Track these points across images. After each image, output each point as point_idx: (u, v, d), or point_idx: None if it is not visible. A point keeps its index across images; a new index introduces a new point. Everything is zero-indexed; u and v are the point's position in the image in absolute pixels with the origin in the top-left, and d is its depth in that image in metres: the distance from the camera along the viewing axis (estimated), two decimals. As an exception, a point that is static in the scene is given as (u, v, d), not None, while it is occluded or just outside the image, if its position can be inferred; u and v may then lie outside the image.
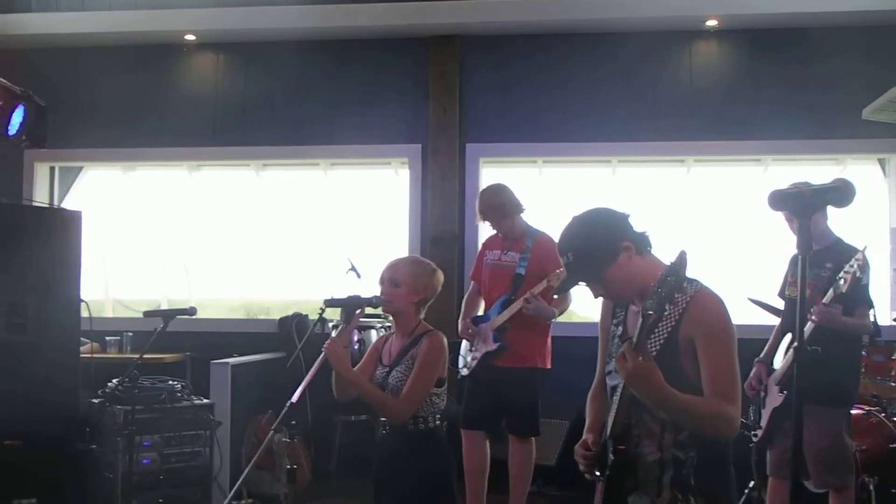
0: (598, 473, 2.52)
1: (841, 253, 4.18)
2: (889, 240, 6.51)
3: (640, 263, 2.51)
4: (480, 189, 5.71)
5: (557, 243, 2.59)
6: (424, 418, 3.40)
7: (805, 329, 3.89)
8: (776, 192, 2.19)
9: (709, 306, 2.41)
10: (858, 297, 4.12)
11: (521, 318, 4.97)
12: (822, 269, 4.17)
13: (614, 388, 2.51)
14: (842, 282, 3.96)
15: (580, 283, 2.58)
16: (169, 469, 5.10)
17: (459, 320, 5.30)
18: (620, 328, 2.62)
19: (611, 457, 2.46)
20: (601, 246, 2.49)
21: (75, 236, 4.85)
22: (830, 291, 4.02)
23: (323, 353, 3.42)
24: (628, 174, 6.97)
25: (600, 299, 2.69)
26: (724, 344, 2.38)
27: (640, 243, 2.53)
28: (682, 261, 2.24)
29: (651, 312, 2.23)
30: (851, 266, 3.95)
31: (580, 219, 2.57)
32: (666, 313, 2.30)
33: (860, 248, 4.17)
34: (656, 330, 2.36)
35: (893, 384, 5.15)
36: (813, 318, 4.04)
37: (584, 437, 2.65)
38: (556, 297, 5.04)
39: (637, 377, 2.27)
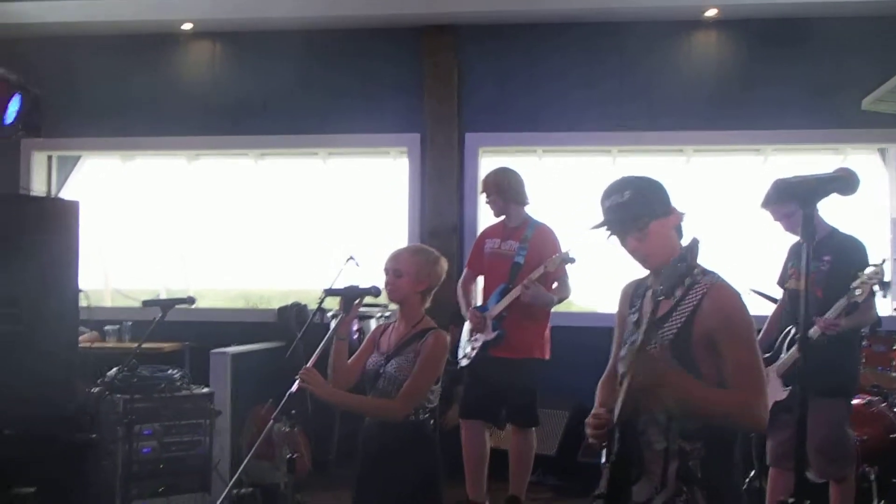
0: (603, 461, 2.51)
1: (838, 244, 4.17)
2: (889, 230, 6.51)
3: (676, 239, 2.51)
4: (480, 178, 5.69)
5: (609, 186, 2.52)
6: (416, 411, 3.37)
7: (811, 333, 3.93)
8: (781, 182, 2.19)
9: (727, 300, 2.39)
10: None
11: (519, 306, 4.97)
12: (821, 262, 4.16)
13: (624, 375, 2.49)
14: (857, 291, 3.94)
15: (620, 224, 2.49)
16: (169, 458, 5.08)
17: (465, 311, 5.27)
18: (636, 315, 2.58)
19: (616, 444, 2.45)
20: (660, 198, 2.50)
21: (73, 226, 4.82)
22: (844, 300, 4.00)
23: (323, 342, 3.43)
24: (628, 164, 6.96)
25: (612, 288, 2.66)
26: (747, 338, 2.37)
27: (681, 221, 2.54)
28: (693, 247, 2.23)
29: (661, 298, 2.21)
30: (872, 279, 3.93)
31: (639, 175, 2.55)
32: (676, 300, 2.26)
33: (861, 242, 4.17)
34: (669, 320, 2.33)
35: (894, 374, 5.16)
36: (818, 327, 4.01)
37: (594, 411, 2.62)
38: (554, 285, 5.06)
39: (658, 385, 2.28)
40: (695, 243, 2.25)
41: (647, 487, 2.42)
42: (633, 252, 2.52)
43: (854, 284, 3.98)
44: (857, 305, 4.02)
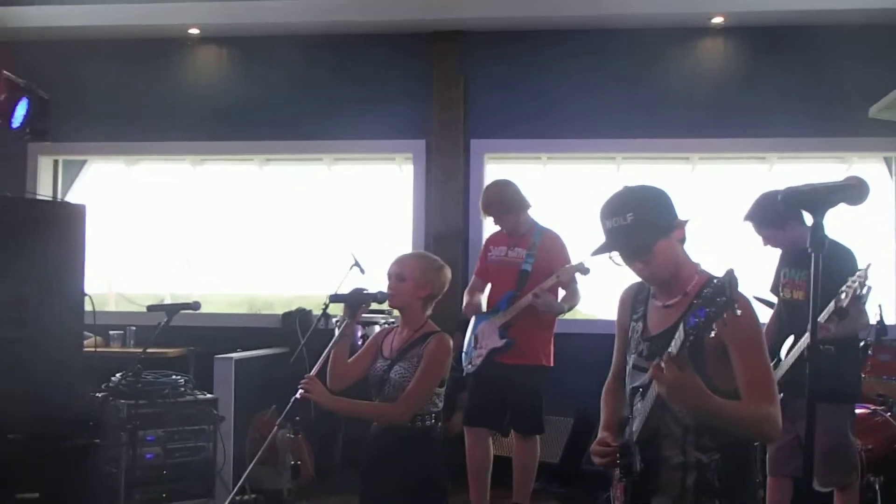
0: (617, 474, 2.50)
1: (828, 250, 4.12)
2: (895, 239, 6.49)
3: (681, 250, 2.47)
4: (485, 185, 5.68)
5: (610, 203, 2.44)
6: (422, 416, 3.36)
7: (803, 336, 3.91)
8: (791, 190, 2.18)
9: (741, 311, 2.30)
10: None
11: (526, 314, 4.95)
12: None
13: (637, 390, 2.48)
14: (843, 295, 3.92)
15: (624, 249, 2.43)
16: (172, 464, 5.09)
17: (465, 305, 5.23)
18: (640, 324, 2.56)
19: (640, 465, 2.42)
20: (663, 214, 2.43)
21: (79, 230, 4.82)
22: (831, 304, 3.98)
23: (327, 349, 3.42)
24: (632, 171, 6.94)
25: (616, 295, 2.63)
26: (759, 347, 2.35)
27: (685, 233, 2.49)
28: (731, 280, 2.10)
29: (693, 332, 2.11)
30: (854, 282, 3.91)
31: (640, 187, 2.48)
32: (713, 334, 2.14)
33: (850, 249, 4.15)
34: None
35: (899, 383, 5.14)
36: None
37: (599, 435, 2.62)
38: (563, 293, 5.04)
39: (679, 389, 2.18)
40: (731, 275, 2.10)
41: (666, 501, 2.41)
42: (639, 273, 2.49)
43: (842, 289, 3.96)
44: (846, 312, 3.99)
